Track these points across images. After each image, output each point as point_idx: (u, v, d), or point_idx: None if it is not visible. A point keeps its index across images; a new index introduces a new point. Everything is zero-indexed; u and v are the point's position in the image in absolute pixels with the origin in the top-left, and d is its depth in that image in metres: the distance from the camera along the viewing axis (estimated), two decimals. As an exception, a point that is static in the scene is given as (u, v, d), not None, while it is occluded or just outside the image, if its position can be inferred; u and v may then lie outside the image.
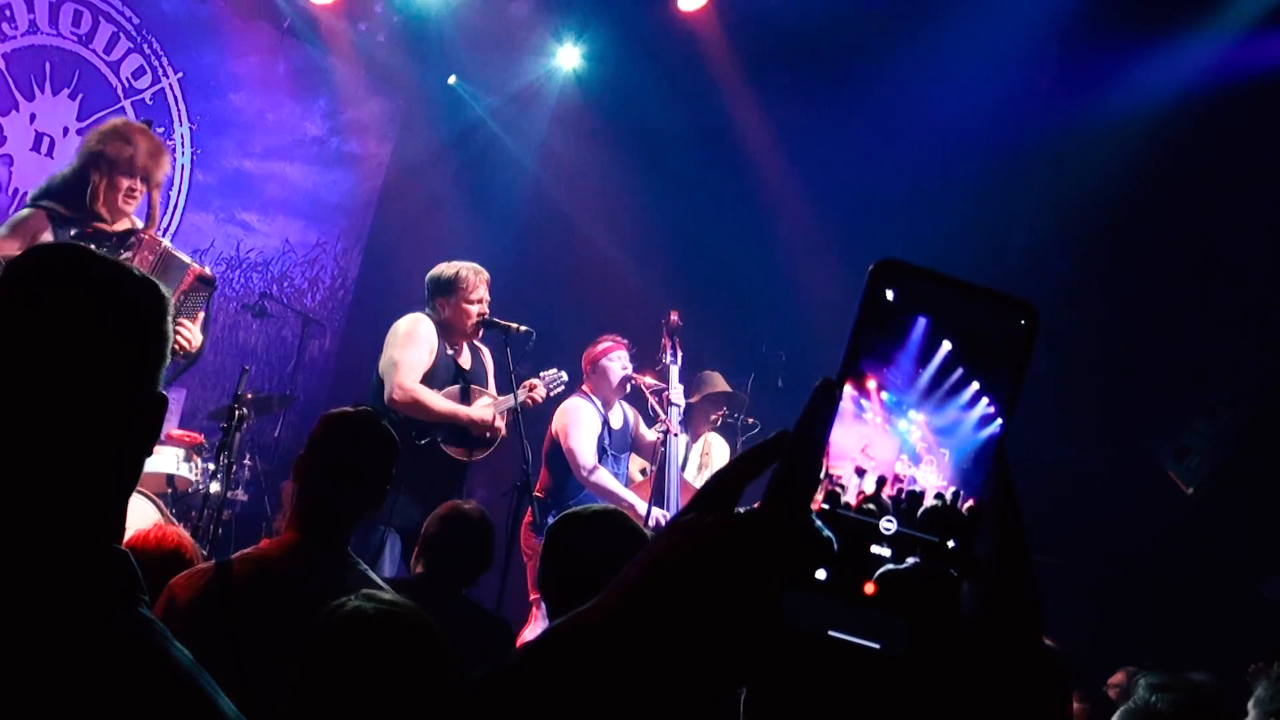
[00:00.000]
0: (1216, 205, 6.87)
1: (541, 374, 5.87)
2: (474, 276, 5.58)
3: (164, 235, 7.62)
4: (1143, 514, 6.48)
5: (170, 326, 1.31)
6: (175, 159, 7.75)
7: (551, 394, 5.89)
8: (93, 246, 4.37)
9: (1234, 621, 6.13)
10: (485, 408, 5.58)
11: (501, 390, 5.70)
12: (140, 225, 4.82)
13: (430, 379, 5.45)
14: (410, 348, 5.43)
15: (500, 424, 5.61)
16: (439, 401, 5.40)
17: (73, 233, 4.64)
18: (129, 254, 4.66)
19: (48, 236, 4.58)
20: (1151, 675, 3.18)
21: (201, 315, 4.98)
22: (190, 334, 4.81)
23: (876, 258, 0.71)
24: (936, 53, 7.23)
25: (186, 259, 4.89)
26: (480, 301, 5.58)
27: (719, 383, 6.70)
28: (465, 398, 5.55)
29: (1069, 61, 7.02)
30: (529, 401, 5.68)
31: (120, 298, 1.28)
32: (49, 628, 1.14)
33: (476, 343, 5.73)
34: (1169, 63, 6.72)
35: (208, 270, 5.04)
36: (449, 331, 5.57)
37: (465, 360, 5.62)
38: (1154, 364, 6.99)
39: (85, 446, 1.23)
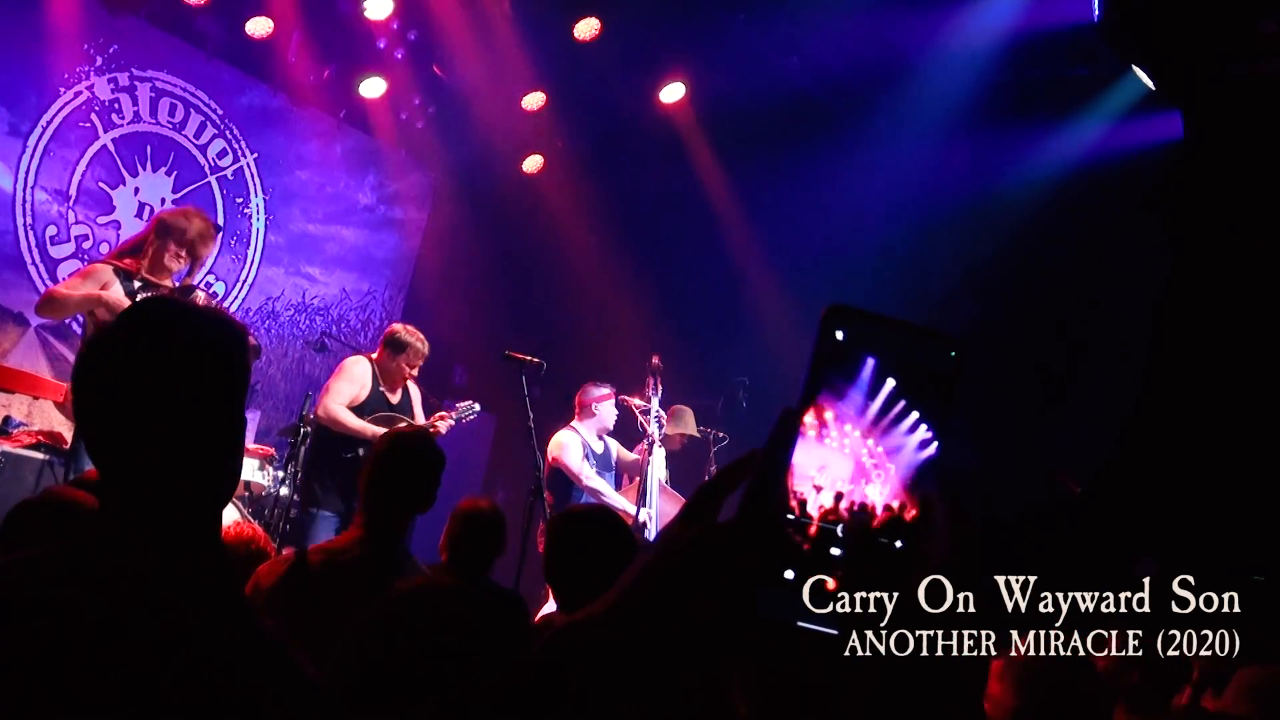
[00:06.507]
0: (1089, 257, 6.86)
1: (457, 404, 5.77)
2: (421, 347, 5.53)
3: (241, 286, 7.62)
4: (1040, 507, 6.36)
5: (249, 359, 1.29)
6: (252, 224, 7.69)
7: (463, 422, 5.76)
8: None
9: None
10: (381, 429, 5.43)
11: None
12: (176, 286, 4.73)
13: (362, 408, 5.39)
14: (342, 380, 5.41)
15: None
16: (351, 420, 5.32)
17: (136, 285, 4.59)
18: None
19: (114, 286, 4.54)
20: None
21: None
22: None
23: (822, 301, 0.69)
24: (871, 136, 7.27)
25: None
26: (414, 368, 5.52)
27: (690, 425, 6.61)
28: (387, 424, 5.38)
29: (975, 144, 6.98)
30: (433, 429, 5.48)
31: (221, 337, 1.26)
32: (186, 601, 1.14)
33: (409, 384, 5.63)
34: (1053, 143, 6.75)
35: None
36: (387, 376, 5.51)
37: (395, 398, 5.55)
38: (1042, 383, 6.93)
39: (216, 454, 1.22)
